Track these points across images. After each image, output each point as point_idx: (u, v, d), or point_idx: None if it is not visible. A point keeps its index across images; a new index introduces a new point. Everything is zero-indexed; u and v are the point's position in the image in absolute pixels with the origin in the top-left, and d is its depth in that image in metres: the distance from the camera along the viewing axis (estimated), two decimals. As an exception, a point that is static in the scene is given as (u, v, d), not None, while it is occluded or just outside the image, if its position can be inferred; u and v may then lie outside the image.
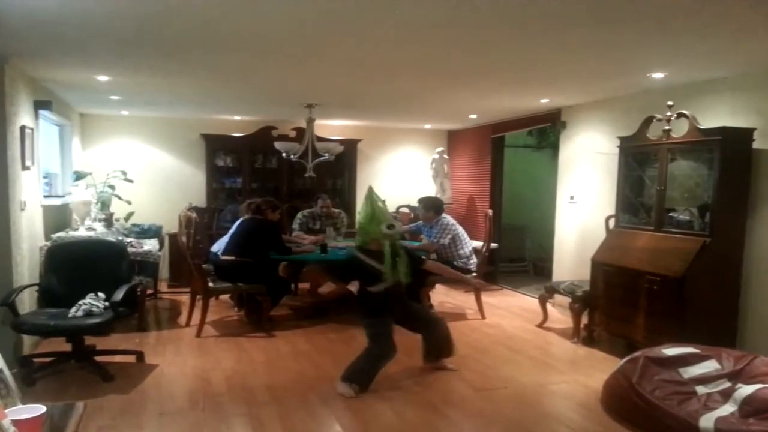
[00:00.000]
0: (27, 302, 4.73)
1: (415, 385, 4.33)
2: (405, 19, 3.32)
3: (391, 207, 7.61)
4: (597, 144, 6.22)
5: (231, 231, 6.20)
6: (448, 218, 6.42)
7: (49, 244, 5.21)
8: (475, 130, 8.79)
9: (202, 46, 4.03)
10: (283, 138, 7.77)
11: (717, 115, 4.74)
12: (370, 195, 4.38)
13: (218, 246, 6.22)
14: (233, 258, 5.72)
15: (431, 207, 6.50)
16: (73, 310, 4.21)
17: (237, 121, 8.44)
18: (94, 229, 5.95)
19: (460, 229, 6.40)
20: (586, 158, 6.44)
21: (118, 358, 4.63)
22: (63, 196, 6.36)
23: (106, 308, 4.28)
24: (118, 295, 4.26)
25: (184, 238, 5.64)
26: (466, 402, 4.05)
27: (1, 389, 2.07)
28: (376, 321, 4.29)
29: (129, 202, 7.04)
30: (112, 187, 6.92)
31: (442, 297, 7.34)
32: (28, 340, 4.77)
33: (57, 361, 4.44)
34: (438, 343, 4.61)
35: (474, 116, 7.80)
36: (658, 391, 3.56)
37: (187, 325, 5.80)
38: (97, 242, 5.34)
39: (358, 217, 4.51)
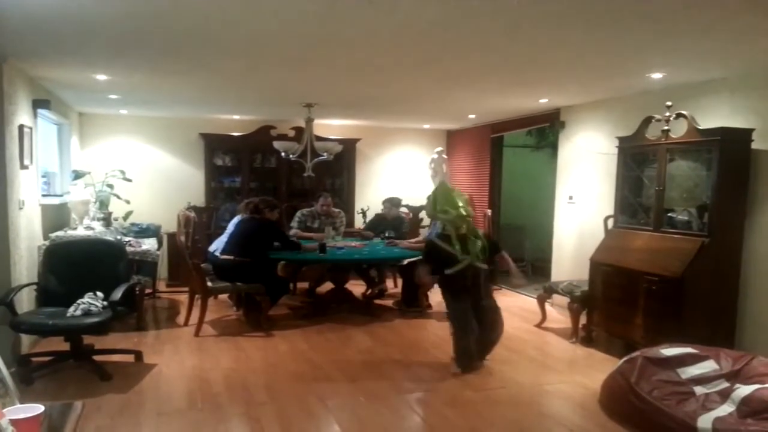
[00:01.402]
0: (25, 301, 4.72)
1: (414, 385, 4.33)
2: (404, 20, 3.31)
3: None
4: (596, 144, 6.23)
5: (229, 230, 6.20)
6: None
7: (47, 243, 5.20)
8: (474, 130, 8.79)
9: (200, 46, 4.02)
10: (282, 137, 7.76)
11: (716, 116, 4.74)
12: (443, 185, 4.87)
13: (216, 245, 6.22)
14: (232, 258, 5.72)
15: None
16: (72, 309, 4.21)
17: (236, 121, 8.43)
18: (92, 229, 5.94)
19: None
20: (585, 158, 6.45)
21: (116, 358, 4.63)
22: (61, 195, 6.35)
23: (104, 307, 4.28)
24: (117, 294, 4.26)
25: (182, 238, 5.64)
26: (465, 402, 4.05)
27: (0, 389, 2.06)
28: (453, 303, 4.67)
29: (128, 202, 7.04)
30: (110, 186, 6.92)
31: (440, 297, 7.31)
32: (26, 340, 4.76)
33: (55, 361, 4.44)
34: (487, 345, 4.77)
35: (473, 116, 7.81)
36: (656, 391, 3.56)
37: (186, 324, 5.79)
38: (95, 241, 5.33)
39: (428, 210, 4.93)
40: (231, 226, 6.28)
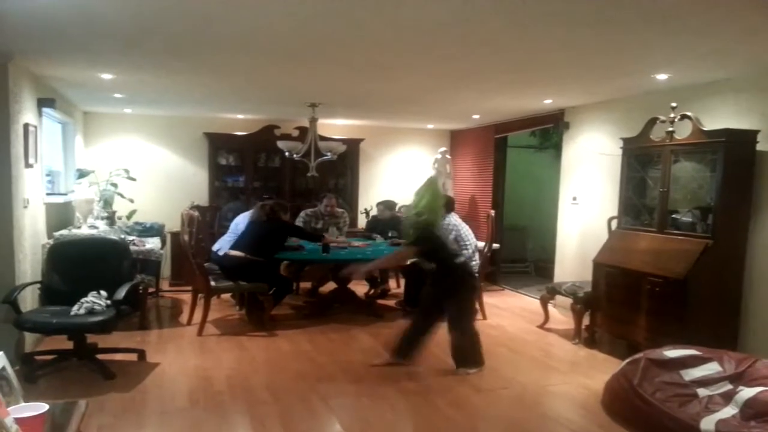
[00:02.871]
0: (29, 300, 4.74)
1: (416, 385, 4.33)
2: (408, 19, 3.31)
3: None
4: (600, 145, 6.21)
5: (233, 230, 6.24)
6: (451, 218, 6.42)
7: (51, 242, 5.22)
8: (477, 131, 8.78)
9: (205, 45, 4.03)
10: (286, 137, 7.77)
11: (721, 117, 4.73)
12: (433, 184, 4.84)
13: (220, 245, 6.23)
14: (243, 255, 5.71)
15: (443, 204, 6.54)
16: (75, 308, 4.22)
17: (240, 120, 8.44)
18: (96, 227, 5.95)
19: (464, 229, 6.39)
20: (588, 159, 6.43)
21: (119, 357, 4.64)
22: (66, 194, 6.37)
23: (108, 306, 4.29)
24: (120, 293, 4.27)
25: (186, 237, 5.64)
26: (467, 402, 4.05)
27: (4, 387, 2.07)
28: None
29: (131, 201, 7.05)
30: (114, 185, 6.93)
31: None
32: (29, 338, 4.78)
33: (59, 359, 4.45)
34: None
35: (477, 116, 7.80)
36: (659, 393, 3.56)
37: (189, 323, 5.80)
38: (99, 240, 5.35)
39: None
40: (236, 225, 6.29)
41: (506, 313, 6.74)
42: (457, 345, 4.64)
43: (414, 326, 4.79)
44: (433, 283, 4.71)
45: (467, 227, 6.50)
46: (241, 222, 6.50)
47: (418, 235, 4.61)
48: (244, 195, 8.23)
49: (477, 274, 6.31)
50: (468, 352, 4.64)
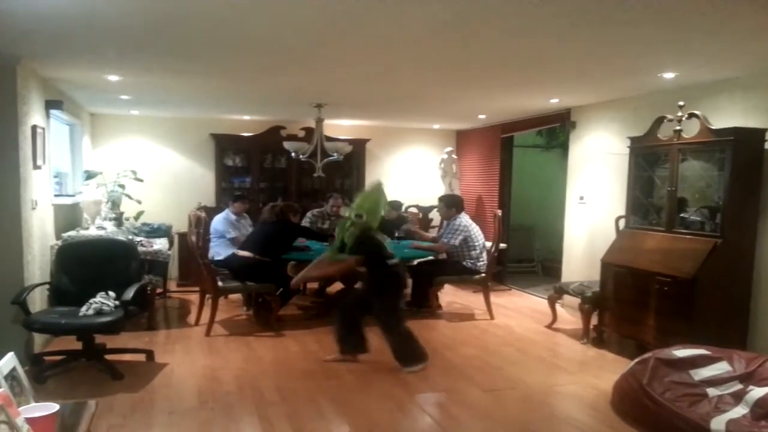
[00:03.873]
0: (38, 301, 4.76)
1: (424, 386, 4.33)
2: (414, 20, 3.31)
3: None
4: (607, 144, 6.19)
5: (216, 232, 6.35)
6: (462, 219, 6.42)
7: (59, 243, 5.24)
8: (484, 130, 8.77)
9: (211, 47, 4.04)
10: (292, 138, 7.79)
11: (728, 116, 4.71)
12: (380, 189, 4.82)
13: (213, 251, 6.22)
14: (251, 255, 5.72)
15: (452, 204, 6.56)
16: (84, 308, 4.24)
17: (246, 121, 8.46)
18: (104, 228, 5.98)
19: (474, 230, 6.39)
20: (596, 158, 6.41)
21: (128, 357, 4.66)
22: (73, 196, 6.40)
23: (116, 307, 4.31)
24: (129, 293, 4.29)
25: (193, 238, 5.66)
26: (475, 402, 4.04)
27: (15, 387, 2.08)
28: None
29: (139, 202, 7.08)
30: (122, 186, 6.96)
31: (450, 297, 7.33)
32: (39, 339, 4.80)
33: (67, 360, 4.46)
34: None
35: (483, 116, 7.79)
36: (668, 392, 3.54)
37: (197, 324, 5.82)
38: (107, 241, 5.37)
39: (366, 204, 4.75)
40: (215, 229, 6.30)
41: (513, 313, 6.72)
42: (393, 347, 4.65)
43: (342, 323, 4.89)
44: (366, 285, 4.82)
45: (477, 228, 6.50)
46: (218, 224, 6.49)
47: (359, 242, 4.60)
48: (251, 196, 8.23)
49: (483, 273, 6.33)
50: (406, 350, 4.64)
